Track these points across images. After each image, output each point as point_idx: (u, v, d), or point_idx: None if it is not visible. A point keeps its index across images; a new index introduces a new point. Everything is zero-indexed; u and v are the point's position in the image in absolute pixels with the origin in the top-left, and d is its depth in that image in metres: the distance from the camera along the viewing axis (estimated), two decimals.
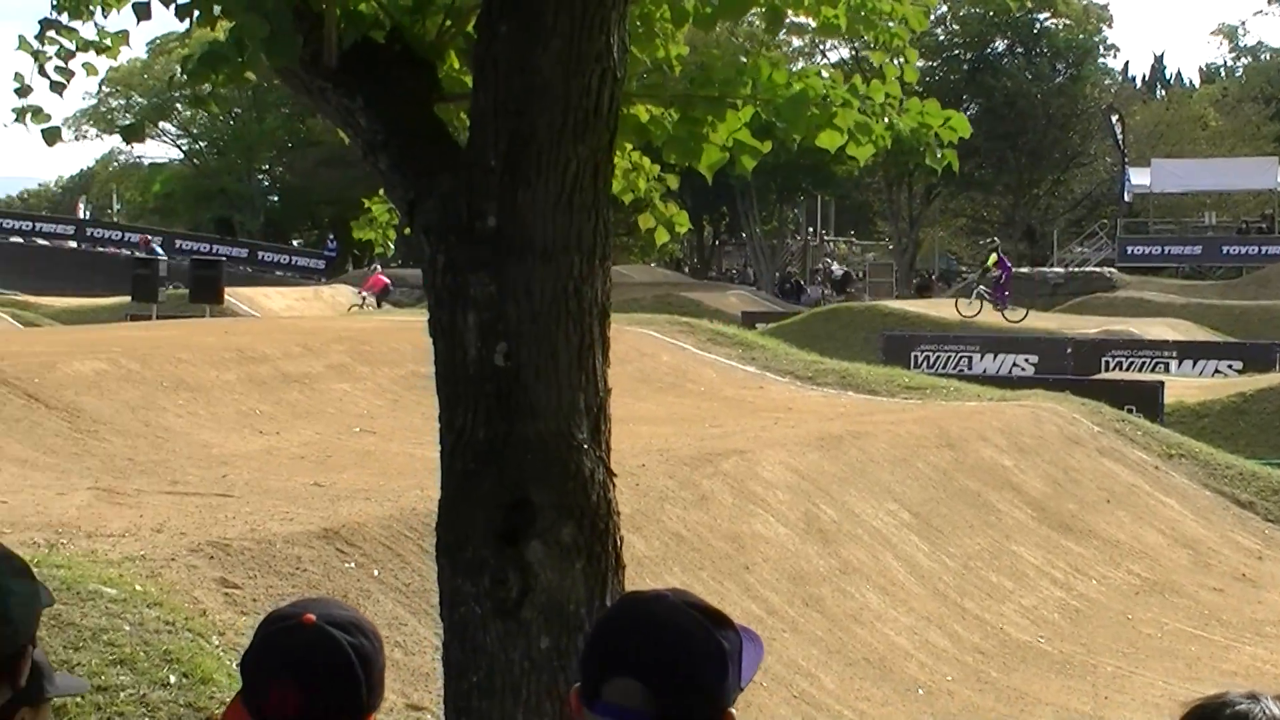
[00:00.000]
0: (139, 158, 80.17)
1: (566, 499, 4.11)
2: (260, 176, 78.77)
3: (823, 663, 10.14)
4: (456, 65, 4.64)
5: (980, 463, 14.86)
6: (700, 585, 9.82)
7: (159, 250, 50.33)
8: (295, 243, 75.24)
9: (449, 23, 4.48)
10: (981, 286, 42.33)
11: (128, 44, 5.07)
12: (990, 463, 14.98)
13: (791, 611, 10.65)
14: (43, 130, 4.78)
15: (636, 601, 2.41)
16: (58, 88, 4.81)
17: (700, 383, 18.36)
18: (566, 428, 4.11)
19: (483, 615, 4.12)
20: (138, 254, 48.33)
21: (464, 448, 4.16)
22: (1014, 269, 46.14)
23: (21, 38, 4.78)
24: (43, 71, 4.77)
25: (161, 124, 70.08)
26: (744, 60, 4.92)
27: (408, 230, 4.39)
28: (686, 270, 77.05)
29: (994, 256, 42.44)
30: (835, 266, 50.86)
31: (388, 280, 44.04)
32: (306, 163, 72.46)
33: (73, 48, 4.81)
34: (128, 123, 5.27)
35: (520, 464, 4.08)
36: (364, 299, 42.90)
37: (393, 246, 6.48)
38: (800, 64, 47.50)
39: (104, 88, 71.87)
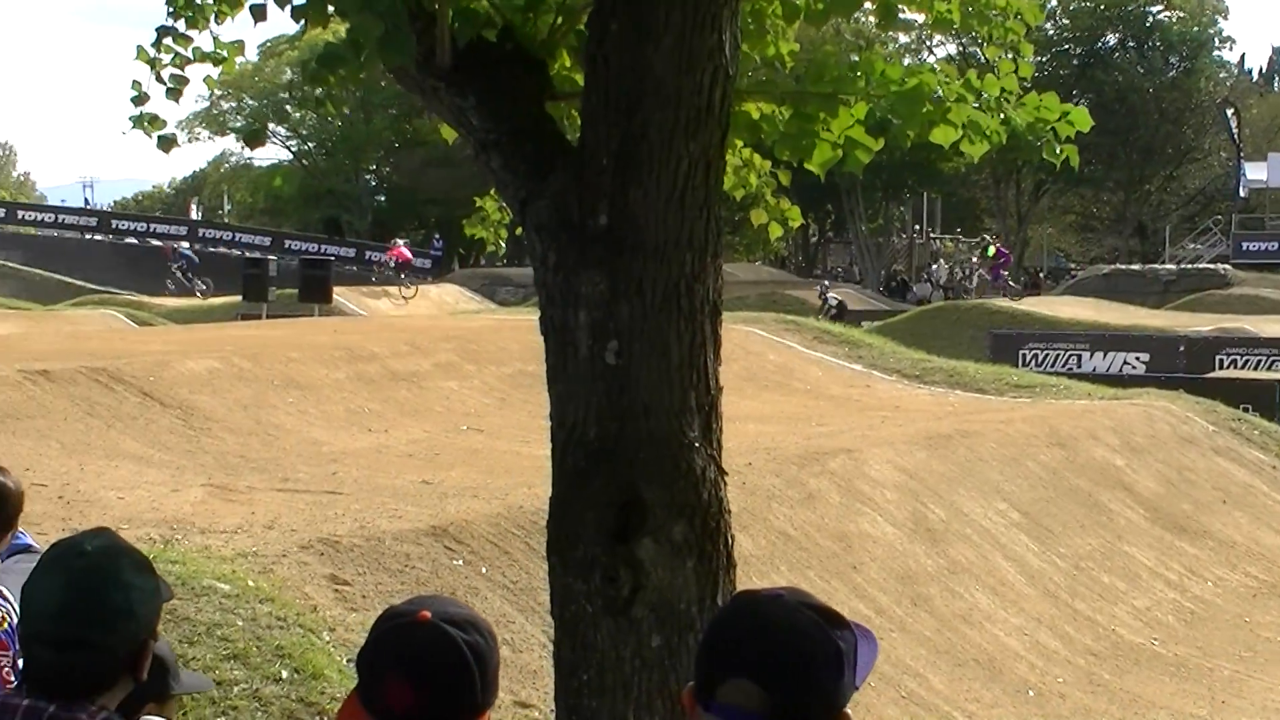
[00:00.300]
0: (249, 159, 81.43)
1: (678, 497, 4.08)
2: (368, 177, 79.52)
3: (931, 663, 10.05)
4: (568, 63, 4.63)
5: (1091, 462, 14.67)
6: (807, 584, 9.77)
7: (187, 251, 51.35)
8: (402, 242, 75.84)
9: (560, 21, 4.47)
10: (981, 270, 47.48)
11: (243, 54, 5.13)
12: (1102, 462, 14.78)
13: (900, 611, 10.57)
14: (158, 138, 4.85)
15: (752, 602, 2.38)
16: (173, 95, 4.88)
17: (807, 381, 18.30)
18: (678, 426, 4.09)
19: (594, 613, 4.12)
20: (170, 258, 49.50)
21: (575, 446, 4.15)
22: (1125, 266, 48.52)
23: (140, 47, 4.86)
24: (159, 78, 4.83)
25: (271, 126, 71.01)
26: (856, 57, 4.87)
27: (519, 229, 4.39)
28: (791, 268, 76.78)
29: (993, 248, 47.53)
30: (831, 295, 49.44)
31: (410, 255, 44.41)
32: (413, 163, 73.05)
33: (189, 55, 4.87)
34: (248, 128, 5.31)
35: (632, 462, 4.07)
36: (400, 273, 43.68)
37: (503, 244, 6.51)
38: (907, 60, 47.25)
39: (216, 90, 72.97)
